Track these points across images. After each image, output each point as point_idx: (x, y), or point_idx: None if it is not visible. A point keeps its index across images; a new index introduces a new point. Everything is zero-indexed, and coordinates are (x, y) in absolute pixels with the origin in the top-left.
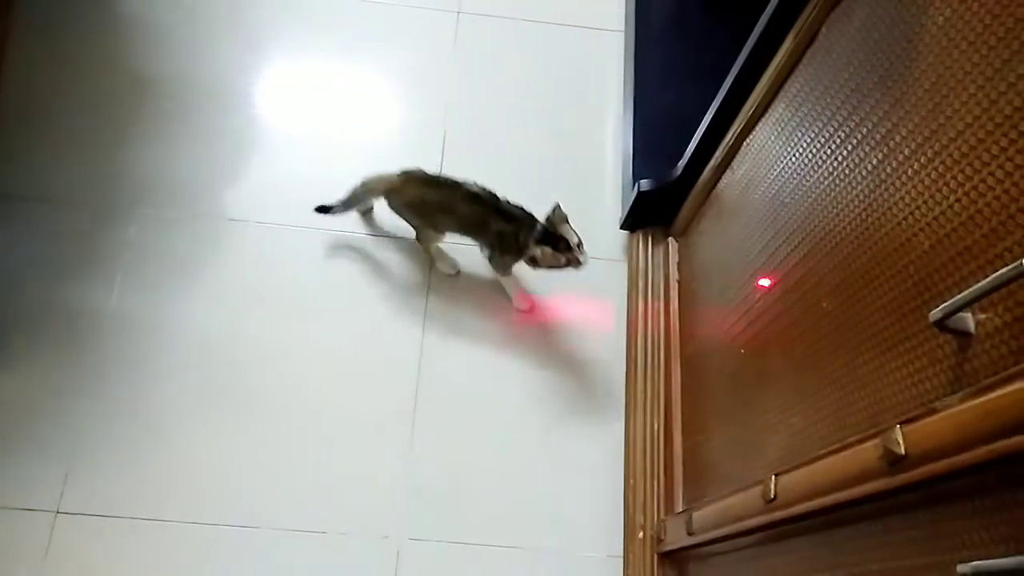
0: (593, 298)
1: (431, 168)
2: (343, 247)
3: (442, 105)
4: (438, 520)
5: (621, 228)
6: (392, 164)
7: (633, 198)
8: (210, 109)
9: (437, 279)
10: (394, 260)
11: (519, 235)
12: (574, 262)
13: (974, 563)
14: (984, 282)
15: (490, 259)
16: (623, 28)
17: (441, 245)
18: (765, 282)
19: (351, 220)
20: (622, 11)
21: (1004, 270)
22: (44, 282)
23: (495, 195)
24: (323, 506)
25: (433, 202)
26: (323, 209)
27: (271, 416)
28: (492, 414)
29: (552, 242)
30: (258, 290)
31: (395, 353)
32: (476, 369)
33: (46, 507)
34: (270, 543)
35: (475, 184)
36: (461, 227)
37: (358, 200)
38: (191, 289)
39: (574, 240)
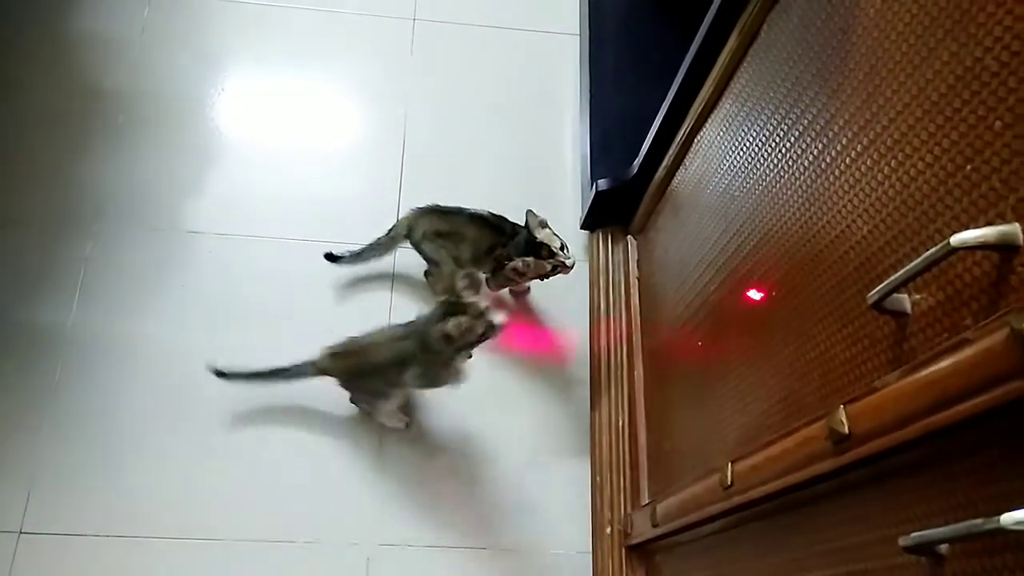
0: (557, 298)
1: (390, 182)
2: (304, 256)
3: (401, 112)
4: (407, 525)
5: (581, 228)
6: (351, 174)
7: (592, 198)
8: (167, 123)
9: (400, 282)
10: (356, 267)
11: (511, 255)
12: (561, 267)
13: (914, 535)
14: (915, 262)
15: (487, 281)
16: (578, 31)
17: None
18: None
19: (313, 228)
20: (576, 14)
21: (933, 250)
22: (1, 302)
23: (504, 219)
24: (291, 515)
25: (445, 232)
26: (331, 257)
27: (236, 427)
28: (457, 417)
29: (534, 251)
30: (220, 302)
31: None
32: None
33: (9, 527)
34: (238, 555)
35: (483, 210)
36: (474, 253)
37: (381, 249)
38: (151, 304)
39: (556, 244)
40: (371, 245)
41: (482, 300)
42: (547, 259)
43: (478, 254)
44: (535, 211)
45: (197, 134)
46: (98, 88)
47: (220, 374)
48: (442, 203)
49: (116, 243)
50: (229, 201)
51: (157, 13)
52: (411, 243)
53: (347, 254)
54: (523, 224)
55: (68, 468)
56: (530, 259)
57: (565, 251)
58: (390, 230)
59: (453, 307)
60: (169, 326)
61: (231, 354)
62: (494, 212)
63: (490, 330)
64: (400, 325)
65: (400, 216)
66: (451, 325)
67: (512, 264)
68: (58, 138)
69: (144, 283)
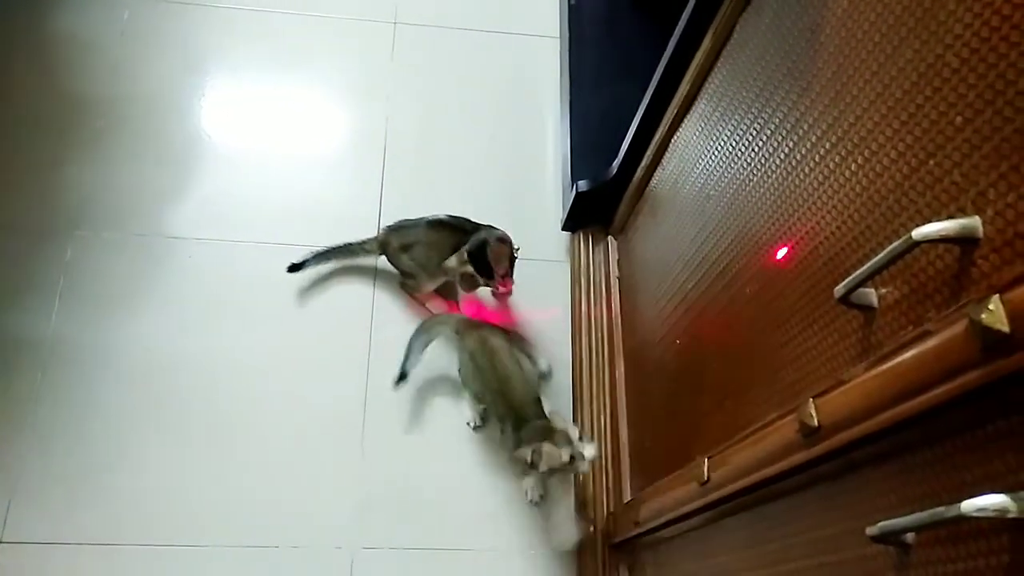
0: (538, 299)
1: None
2: (285, 260)
3: (382, 115)
4: (390, 528)
5: (563, 229)
6: (332, 178)
7: (572, 199)
8: (146, 127)
9: (382, 288)
10: (337, 271)
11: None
12: (493, 289)
13: (880, 524)
14: (879, 256)
15: (460, 286)
16: (558, 34)
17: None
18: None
19: (293, 232)
20: (556, 17)
21: (896, 244)
22: None
23: (466, 220)
24: (274, 520)
25: (410, 243)
26: (295, 267)
27: (217, 433)
28: (440, 419)
29: (479, 266)
30: (200, 308)
31: (342, 364)
32: (423, 376)
33: None
34: (222, 561)
35: (441, 214)
36: (439, 258)
37: (347, 254)
38: (132, 310)
39: (502, 269)
40: (337, 248)
41: (573, 428)
42: (486, 280)
43: (444, 257)
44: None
45: (177, 139)
46: (77, 93)
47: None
48: (409, 217)
49: (96, 249)
50: (209, 206)
51: (136, 17)
52: (387, 259)
53: (309, 256)
54: (485, 225)
55: (49, 475)
56: (470, 268)
57: (507, 278)
58: (364, 242)
59: (542, 431)
60: (150, 332)
61: (211, 358)
62: (452, 214)
63: (578, 461)
64: None
65: (378, 230)
66: (531, 452)
67: (455, 262)
68: (37, 143)
69: (125, 289)
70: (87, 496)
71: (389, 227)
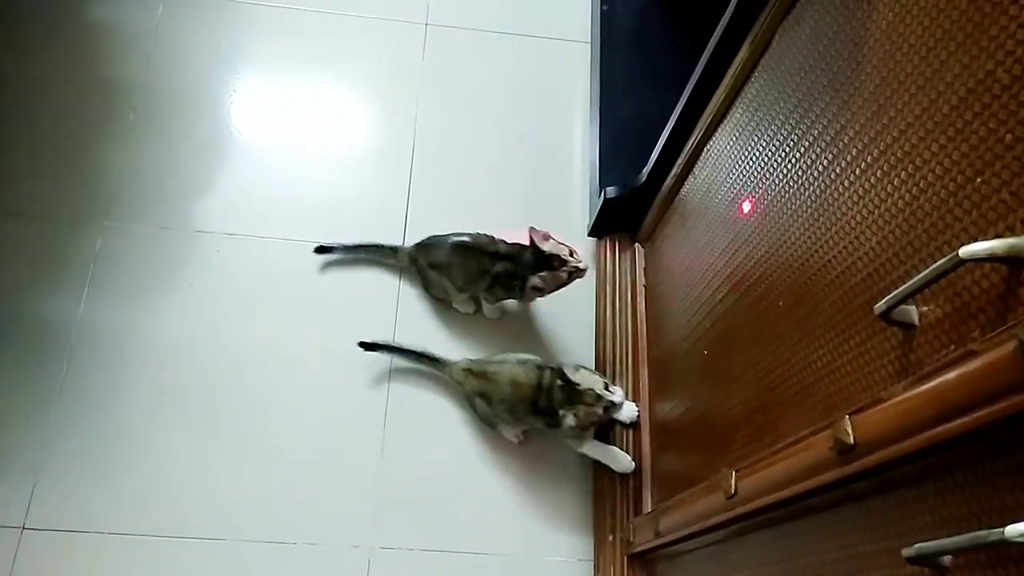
0: (562, 305)
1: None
2: (312, 257)
3: (411, 116)
4: (409, 528)
5: (589, 235)
6: (360, 177)
7: (600, 205)
8: (178, 121)
9: (407, 286)
10: (364, 270)
11: (516, 272)
12: (576, 272)
13: (916, 546)
14: (924, 273)
15: (485, 298)
16: (589, 39)
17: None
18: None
19: (320, 230)
20: (588, 22)
21: (941, 261)
22: (10, 296)
23: (489, 238)
24: (293, 517)
25: (437, 263)
26: (322, 249)
27: (240, 428)
28: (462, 421)
29: (546, 264)
30: (227, 302)
31: (365, 361)
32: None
33: (12, 523)
34: (240, 555)
35: (466, 235)
36: (464, 278)
37: (376, 254)
38: (159, 302)
39: (565, 252)
40: (368, 245)
41: (598, 381)
42: (560, 268)
43: (470, 277)
44: (536, 226)
45: (208, 133)
46: (111, 84)
47: (366, 345)
48: (436, 221)
49: (126, 239)
50: (237, 201)
51: (171, 11)
52: (417, 271)
53: (339, 244)
54: (509, 240)
55: (73, 464)
56: (544, 273)
57: (575, 256)
58: (394, 249)
59: (571, 394)
60: (176, 324)
61: (236, 354)
62: (476, 233)
63: (611, 409)
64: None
65: (404, 230)
66: (571, 418)
67: (531, 283)
68: (71, 133)
69: (153, 281)
70: (109, 485)
71: (417, 244)
